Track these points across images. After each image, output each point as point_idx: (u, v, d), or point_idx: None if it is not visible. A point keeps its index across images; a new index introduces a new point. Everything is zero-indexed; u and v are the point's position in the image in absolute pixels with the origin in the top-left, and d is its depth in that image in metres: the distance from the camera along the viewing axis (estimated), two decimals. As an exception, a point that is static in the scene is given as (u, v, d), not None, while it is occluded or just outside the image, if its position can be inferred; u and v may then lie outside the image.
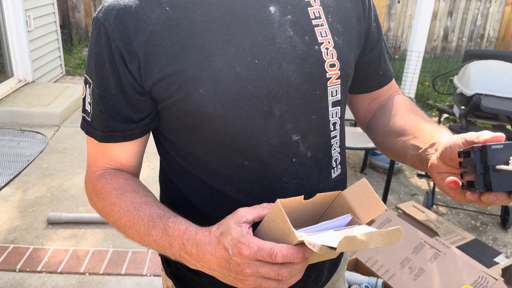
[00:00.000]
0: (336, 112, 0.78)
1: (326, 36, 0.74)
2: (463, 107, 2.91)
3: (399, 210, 2.54)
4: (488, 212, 2.99)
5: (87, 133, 0.76)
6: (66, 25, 6.66)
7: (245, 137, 0.71)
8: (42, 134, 3.77)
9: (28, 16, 4.55)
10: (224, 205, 0.75)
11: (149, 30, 0.66)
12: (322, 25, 0.73)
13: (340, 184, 0.85)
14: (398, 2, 7.03)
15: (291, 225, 0.58)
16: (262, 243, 0.58)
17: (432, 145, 0.68)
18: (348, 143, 2.84)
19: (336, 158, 0.80)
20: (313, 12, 0.73)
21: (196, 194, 0.77)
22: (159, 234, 0.65)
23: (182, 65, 0.66)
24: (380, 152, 3.44)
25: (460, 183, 0.59)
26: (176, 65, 0.66)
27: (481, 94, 2.64)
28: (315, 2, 0.74)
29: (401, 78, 4.62)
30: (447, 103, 4.74)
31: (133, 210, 0.69)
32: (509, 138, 2.74)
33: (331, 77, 0.74)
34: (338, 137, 0.80)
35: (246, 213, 0.62)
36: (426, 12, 4.25)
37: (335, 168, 0.81)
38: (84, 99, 0.75)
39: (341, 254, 0.96)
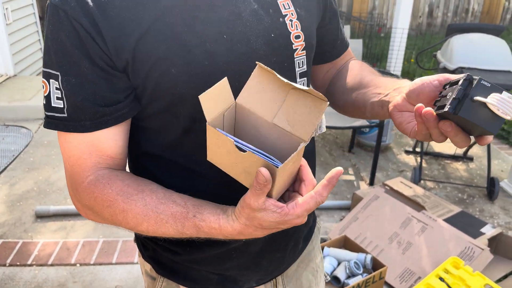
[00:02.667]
0: (304, 83, 0.79)
1: (289, 8, 0.74)
2: (447, 82, 2.92)
3: (386, 187, 2.56)
4: (474, 184, 3.03)
5: (68, 130, 0.68)
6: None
7: None
8: (27, 128, 3.73)
9: (6, 8, 4.44)
10: (199, 184, 0.75)
11: (113, 13, 0.64)
12: None
13: (310, 154, 0.85)
14: (382, -21, 6.98)
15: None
16: (301, 202, 0.58)
17: (396, 89, 0.71)
18: (335, 123, 2.84)
19: None
20: None
21: (170, 176, 0.76)
22: (193, 232, 0.65)
23: (150, 45, 0.65)
24: (367, 131, 3.46)
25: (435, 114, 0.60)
26: (144, 45, 0.65)
27: (464, 68, 2.65)
28: None
29: (387, 56, 4.62)
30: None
31: (152, 214, 0.65)
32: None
33: (297, 49, 0.75)
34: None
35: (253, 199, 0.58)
36: (409, -13, 4.23)
37: None
38: (48, 96, 0.67)
39: (314, 223, 0.97)
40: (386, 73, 3.53)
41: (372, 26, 5.78)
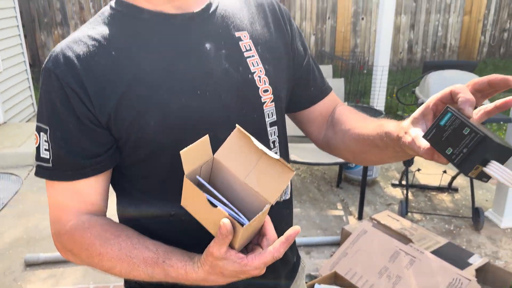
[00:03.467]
0: (274, 131, 0.86)
1: (258, 65, 0.82)
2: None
3: (374, 221, 2.60)
4: (460, 215, 3.09)
5: (52, 178, 0.76)
6: (36, 64, 6.66)
7: None
8: (16, 175, 3.73)
9: (-3, 58, 4.55)
10: (184, 228, 0.79)
11: (98, 74, 0.72)
12: (253, 56, 0.82)
13: (287, 204, 0.91)
14: (362, 19, 7.29)
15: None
16: (259, 255, 0.64)
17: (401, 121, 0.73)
18: (322, 159, 2.92)
19: None
20: (244, 45, 0.82)
21: (154, 222, 0.81)
22: (162, 277, 0.71)
23: (131, 102, 0.73)
24: (354, 166, 3.53)
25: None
26: (125, 102, 0.72)
27: (441, 103, 2.76)
28: (245, 37, 0.82)
29: (370, 92, 4.76)
30: (416, 113, 4.87)
31: (125, 258, 0.72)
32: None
33: (265, 101, 0.83)
34: (278, 154, 0.87)
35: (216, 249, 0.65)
36: (387, 27, 4.43)
37: None
38: (38, 148, 0.76)
39: (298, 262, 1.01)
40: (370, 108, 3.64)
41: (354, 64, 5.99)
